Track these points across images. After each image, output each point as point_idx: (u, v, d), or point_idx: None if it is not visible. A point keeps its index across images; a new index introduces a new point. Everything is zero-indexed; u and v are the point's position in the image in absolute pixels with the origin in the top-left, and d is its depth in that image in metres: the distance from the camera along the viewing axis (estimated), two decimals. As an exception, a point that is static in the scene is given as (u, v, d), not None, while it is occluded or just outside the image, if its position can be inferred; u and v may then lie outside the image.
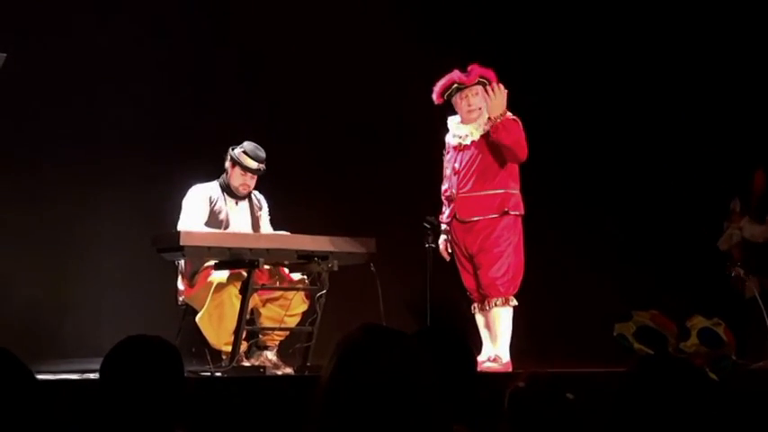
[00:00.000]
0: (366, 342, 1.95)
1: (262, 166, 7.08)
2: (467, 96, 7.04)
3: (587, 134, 9.32)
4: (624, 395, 2.52)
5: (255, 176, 7.13)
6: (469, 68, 7.07)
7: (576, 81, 9.32)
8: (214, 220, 7.03)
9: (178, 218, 7.02)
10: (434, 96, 7.06)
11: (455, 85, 7.03)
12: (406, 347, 1.98)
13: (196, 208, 7.01)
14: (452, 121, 7.17)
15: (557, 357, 7.39)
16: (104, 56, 8.22)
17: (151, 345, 2.74)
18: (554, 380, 3.24)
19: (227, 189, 7.13)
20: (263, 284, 6.91)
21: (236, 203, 7.17)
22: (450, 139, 7.17)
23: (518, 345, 7.00)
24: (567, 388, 3.27)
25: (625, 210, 9.27)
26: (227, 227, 7.05)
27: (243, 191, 7.14)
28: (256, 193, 7.31)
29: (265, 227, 7.30)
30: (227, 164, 7.12)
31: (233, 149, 7.11)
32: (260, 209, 7.30)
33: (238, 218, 7.15)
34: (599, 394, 3.11)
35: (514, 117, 6.98)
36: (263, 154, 7.09)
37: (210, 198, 7.08)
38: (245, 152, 7.05)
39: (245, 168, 7.06)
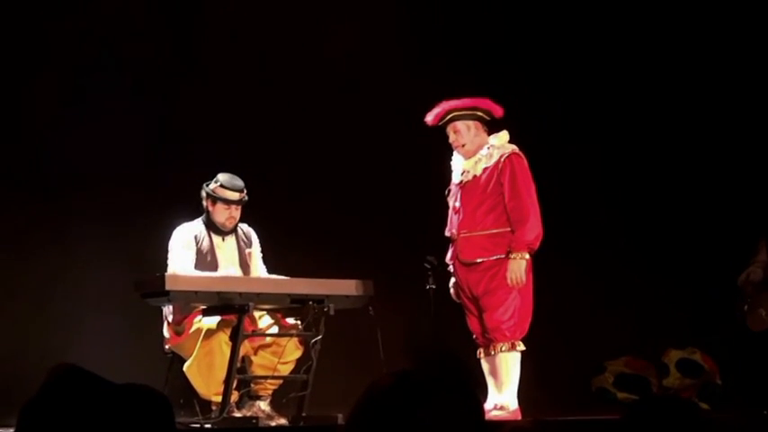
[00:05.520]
0: (397, 389, 1.97)
1: (243, 195, 7.10)
2: (449, 134, 7.09)
3: (598, 168, 9.35)
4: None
5: (240, 207, 7.13)
6: (435, 107, 7.10)
7: (584, 108, 9.36)
8: (202, 260, 7.04)
9: (165, 261, 7.01)
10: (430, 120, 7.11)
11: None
12: (439, 397, 2.00)
13: (184, 249, 7.00)
14: (454, 158, 7.19)
15: (568, 405, 7.39)
16: (81, 97, 8.29)
17: (139, 394, 2.72)
18: (538, 428, 3.23)
19: (211, 226, 7.12)
20: (253, 330, 6.90)
21: (223, 240, 7.16)
22: (452, 177, 7.19)
23: (527, 392, 6.98)
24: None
25: (640, 247, 9.28)
26: (215, 267, 7.04)
27: (230, 225, 7.14)
28: (243, 226, 7.29)
29: (257, 266, 7.29)
30: (206, 202, 7.13)
31: (207, 185, 7.12)
32: (249, 245, 7.28)
33: (226, 256, 7.14)
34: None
35: (519, 153, 6.99)
36: (240, 182, 7.11)
37: (196, 238, 7.07)
38: (222, 185, 7.06)
39: (227, 202, 7.06)
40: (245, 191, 7.09)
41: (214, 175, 7.22)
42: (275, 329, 7.05)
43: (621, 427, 2.55)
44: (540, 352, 7.32)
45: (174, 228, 7.13)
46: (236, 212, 7.13)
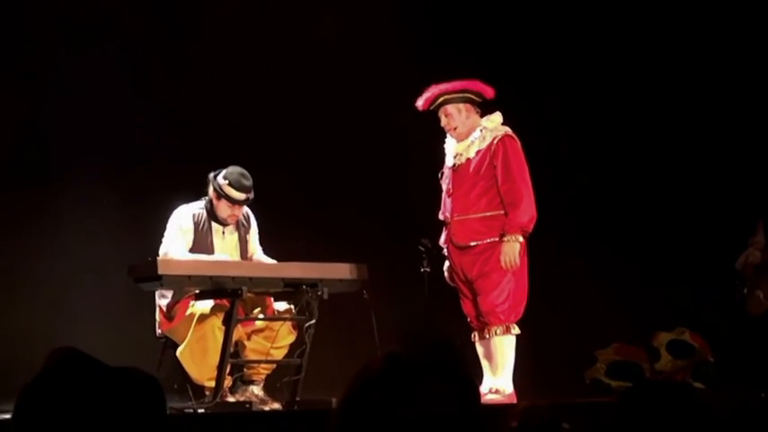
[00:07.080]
0: (388, 372, 1.95)
1: (249, 196, 6.97)
2: (440, 117, 7.06)
3: (591, 150, 9.34)
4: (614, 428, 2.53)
5: (243, 206, 7.06)
6: (424, 92, 7.07)
7: (582, 92, 9.37)
8: (200, 244, 6.97)
9: (161, 242, 6.97)
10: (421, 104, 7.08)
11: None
12: (432, 380, 1.99)
13: (180, 235, 6.93)
14: (447, 141, 7.17)
15: (563, 387, 7.39)
16: (75, 82, 8.28)
17: (133, 378, 2.71)
18: (550, 412, 3.22)
19: (213, 215, 7.05)
20: (246, 315, 6.88)
21: (223, 232, 7.07)
22: (446, 160, 7.17)
23: (522, 375, 6.99)
24: (564, 419, 3.27)
25: (636, 230, 9.28)
26: (212, 251, 6.98)
27: (231, 221, 7.06)
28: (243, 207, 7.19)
29: (254, 246, 7.24)
30: (211, 193, 7.00)
31: (215, 177, 6.96)
32: (248, 230, 7.22)
33: (224, 243, 7.08)
34: (600, 425, 3.11)
35: (512, 135, 6.97)
36: (249, 182, 6.95)
37: (195, 223, 6.99)
38: (229, 183, 6.91)
39: (232, 201, 6.97)
40: (252, 191, 6.94)
41: (211, 161, 7.13)
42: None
43: (618, 414, 2.54)
44: (536, 335, 7.32)
45: (169, 212, 7.07)
46: (239, 211, 7.02)
